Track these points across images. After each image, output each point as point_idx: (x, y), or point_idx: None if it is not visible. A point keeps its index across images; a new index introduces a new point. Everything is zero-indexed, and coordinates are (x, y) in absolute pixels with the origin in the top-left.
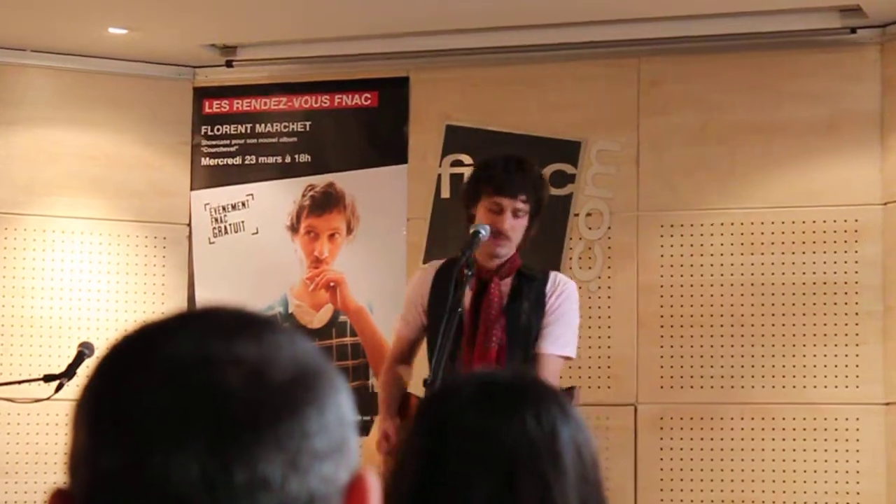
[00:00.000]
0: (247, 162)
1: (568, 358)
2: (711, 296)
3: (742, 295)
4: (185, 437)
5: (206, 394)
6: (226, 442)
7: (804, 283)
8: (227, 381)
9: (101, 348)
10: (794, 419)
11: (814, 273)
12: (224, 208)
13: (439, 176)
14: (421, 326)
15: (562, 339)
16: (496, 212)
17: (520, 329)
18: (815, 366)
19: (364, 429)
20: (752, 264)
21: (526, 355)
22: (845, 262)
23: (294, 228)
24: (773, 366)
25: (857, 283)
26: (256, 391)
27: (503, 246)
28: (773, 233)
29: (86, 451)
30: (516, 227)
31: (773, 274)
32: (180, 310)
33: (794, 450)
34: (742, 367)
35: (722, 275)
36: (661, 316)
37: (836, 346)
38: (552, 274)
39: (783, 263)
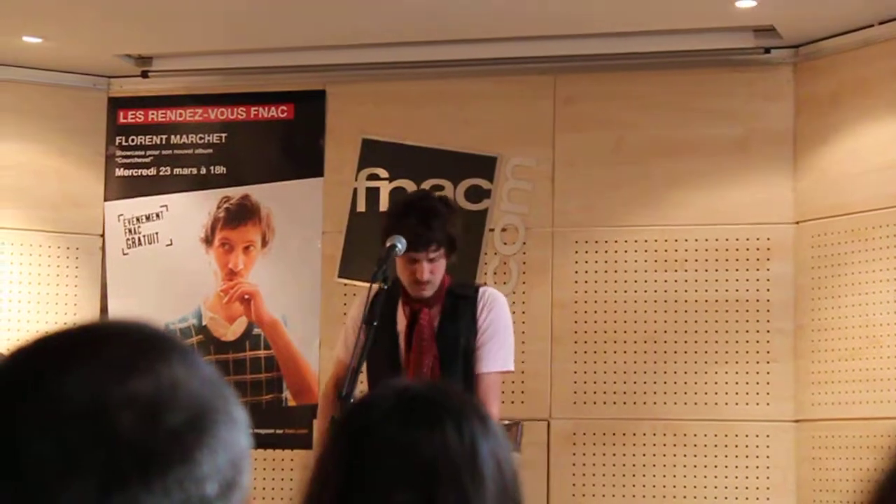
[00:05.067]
0: (161, 173)
1: (507, 372)
2: (625, 312)
3: (655, 312)
4: (74, 479)
5: (98, 439)
6: (114, 488)
7: (716, 301)
8: (120, 426)
9: None
10: (705, 435)
11: (726, 291)
12: (138, 219)
13: (355, 189)
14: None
15: (499, 356)
16: (412, 262)
17: (458, 351)
18: (726, 383)
19: (277, 442)
20: (666, 281)
21: (467, 375)
22: (757, 280)
23: (208, 240)
24: (686, 382)
25: (768, 301)
26: (148, 436)
27: (426, 290)
28: (686, 250)
29: None
30: (435, 269)
31: (685, 291)
32: (76, 330)
33: (705, 466)
34: (655, 383)
35: (636, 291)
36: (575, 332)
37: (747, 363)
38: (481, 290)
39: (696, 281)
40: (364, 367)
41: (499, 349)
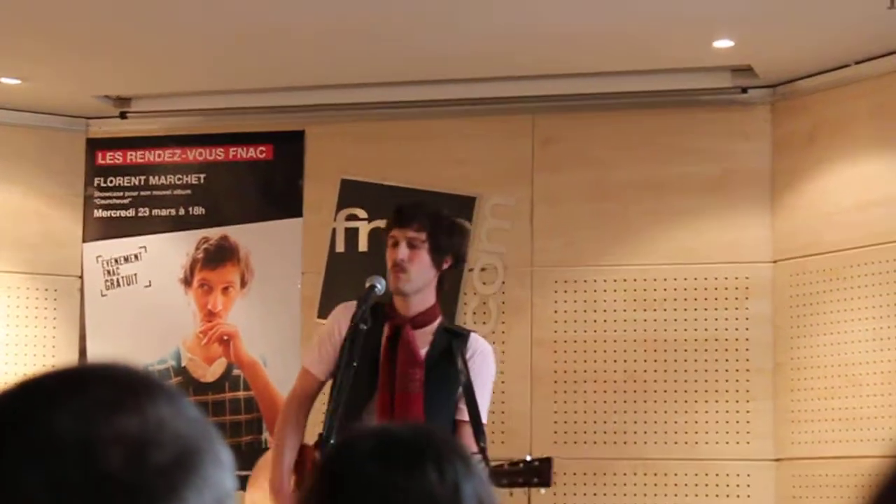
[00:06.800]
0: (140, 214)
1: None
2: (605, 351)
3: (635, 351)
4: None
5: (86, 475)
6: None
7: (696, 340)
8: (108, 464)
9: None
10: (685, 475)
11: (705, 330)
12: (117, 260)
13: (334, 230)
14: (334, 366)
15: (482, 408)
16: (393, 245)
17: (452, 390)
18: (706, 422)
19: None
20: (645, 320)
21: (450, 418)
22: (736, 319)
23: (187, 281)
24: (666, 422)
25: (747, 339)
26: (136, 475)
27: (401, 280)
28: (664, 289)
29: None
30: (413, 258)
31: (665, 330)
32: (63, 371)
33: None
34: (635, 422)
35: (615, 331)
36: (555, 371)
37: (727, 402)
38: (473, 335)
39: (675, 320)
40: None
41: (482, 402)
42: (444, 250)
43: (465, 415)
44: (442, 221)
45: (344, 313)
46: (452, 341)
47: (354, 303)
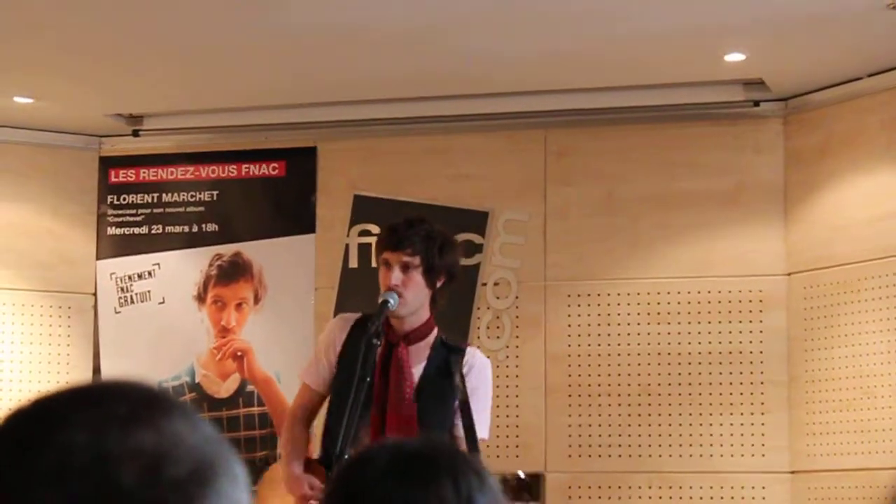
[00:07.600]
0: (153, 231)
1: (483, 441)
2: (619, 365)
3: (649, 364)
4: None
5: (102, 491)
6: None
7: (710, 353)
8: (123, 478)
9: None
10: (701, 488)
11: (719, 343)
12: (130, 278)
13: (347, 246)
14: (333, 379)
15: (482, 423)
16: (386, 268)
17: (448, 406)
18: (721, 435)
19: None
20: (659, 334)
21: (446, 432)
22: (750, 332)
23: (201, 298)
24: (681, 435)
25: (762, 352)
26: (152, 489)
27: (398, 303)
28: (679, 302)
29: None
30: (408, 282)
31: (679, 343)
32: (77, 387)
33: None
34: (649, 436)
35: (629, 344)
36: (569, 385)
37: (742, 415)
38: (469, 349)
39: (689, 333)
40: (326, 401)
41: (483, 416)
42: (438, 270)
43: (461, 430)
44: (434, 242)
45: (342, 326)
46: (450, 356)
47: (352, 315)
